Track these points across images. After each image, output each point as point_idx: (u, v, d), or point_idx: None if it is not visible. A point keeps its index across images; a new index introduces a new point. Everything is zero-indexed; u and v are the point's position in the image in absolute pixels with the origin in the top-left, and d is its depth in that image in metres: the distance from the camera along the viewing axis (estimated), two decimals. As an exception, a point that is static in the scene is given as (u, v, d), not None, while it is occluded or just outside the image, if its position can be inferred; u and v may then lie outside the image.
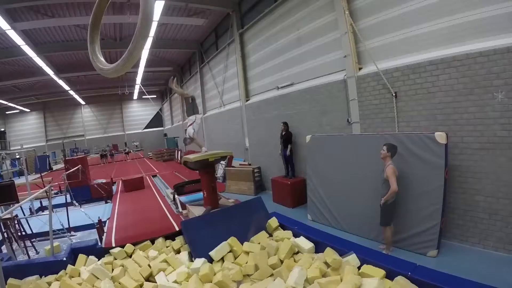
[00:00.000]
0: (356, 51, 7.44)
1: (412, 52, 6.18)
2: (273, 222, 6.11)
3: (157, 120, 39.69)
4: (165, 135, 35.48)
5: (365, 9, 7.10)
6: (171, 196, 9.64)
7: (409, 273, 3.90)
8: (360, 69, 7.41)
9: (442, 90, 5.64)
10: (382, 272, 4.05)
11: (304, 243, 5.16)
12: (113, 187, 12.98)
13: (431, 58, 5.76)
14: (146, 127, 40.46)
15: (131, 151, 32.92)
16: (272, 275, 4.59)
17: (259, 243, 5.52)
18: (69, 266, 5.21)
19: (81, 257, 5.51)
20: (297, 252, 5.16)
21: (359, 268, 4.35)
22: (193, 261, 5.10)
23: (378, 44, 6.91)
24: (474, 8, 5.13)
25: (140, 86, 25.66)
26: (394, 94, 6.46)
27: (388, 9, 6.54)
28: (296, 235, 5.58)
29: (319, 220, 7.68)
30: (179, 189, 9.36)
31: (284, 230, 5.95)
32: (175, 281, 4.78)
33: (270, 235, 5.98)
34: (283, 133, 9.61)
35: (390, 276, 4.01)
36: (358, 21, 7.27)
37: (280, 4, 10.02)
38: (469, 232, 5.51)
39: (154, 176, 16.84)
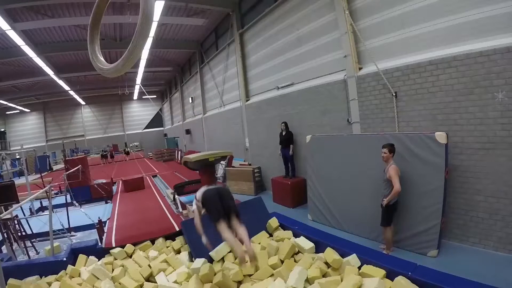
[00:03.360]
0: (356, 51, 7.44)
1: (412, 52, 6.17)
2: (273, 222, 6.11)
3: (157, 120, 39.70)
4: (165, 135, 35.49)
5: (365, 9, 7.08)
6: (171, 196, 9.64)
7: (410, 273, 3.90)
8: (360, 69, 7.40)
9: (443, 90, 5.63)
10: (382, 272, 4.05)
11: (304, 243, 5.15)
12: (113, 187, 12.96)
13: (431, 58, 5.76)
14: (146, 127, 40.53)
15: (131, 151, 32.89)
16: (272, 275, 4.59)
17: (259, 243, 5.52)
18: (69, 267, 5.21)
19: (81, 257, 5.51)
20: (298, 252, 5.16)
21: (359, 268, 4.35)
22: (193, 261, 5.10)
23: (378, 44, 6.90)
24: (474, 8, 5.13)
25: (140, 86, 25.63)
26: (394, 94, 6.45)
27: (388, 9, 6.51)
28: (296, 235, 5.58)
29: (320, 220, 7.68)
30: (179, 189, 9.35)
31: (284, 230, 5.95)
32: (175, 281, 4.78)
33: (270, 235, 5.98)
34: (283, 133, 9.60)
35: (390, 276, 4.00)
36: (358, 21, 7.26)
37: (280, 4, 10.02)
38: (469, 232, 5.51)
39: (154, 176, 16.84)
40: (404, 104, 6.35)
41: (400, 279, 3.81)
